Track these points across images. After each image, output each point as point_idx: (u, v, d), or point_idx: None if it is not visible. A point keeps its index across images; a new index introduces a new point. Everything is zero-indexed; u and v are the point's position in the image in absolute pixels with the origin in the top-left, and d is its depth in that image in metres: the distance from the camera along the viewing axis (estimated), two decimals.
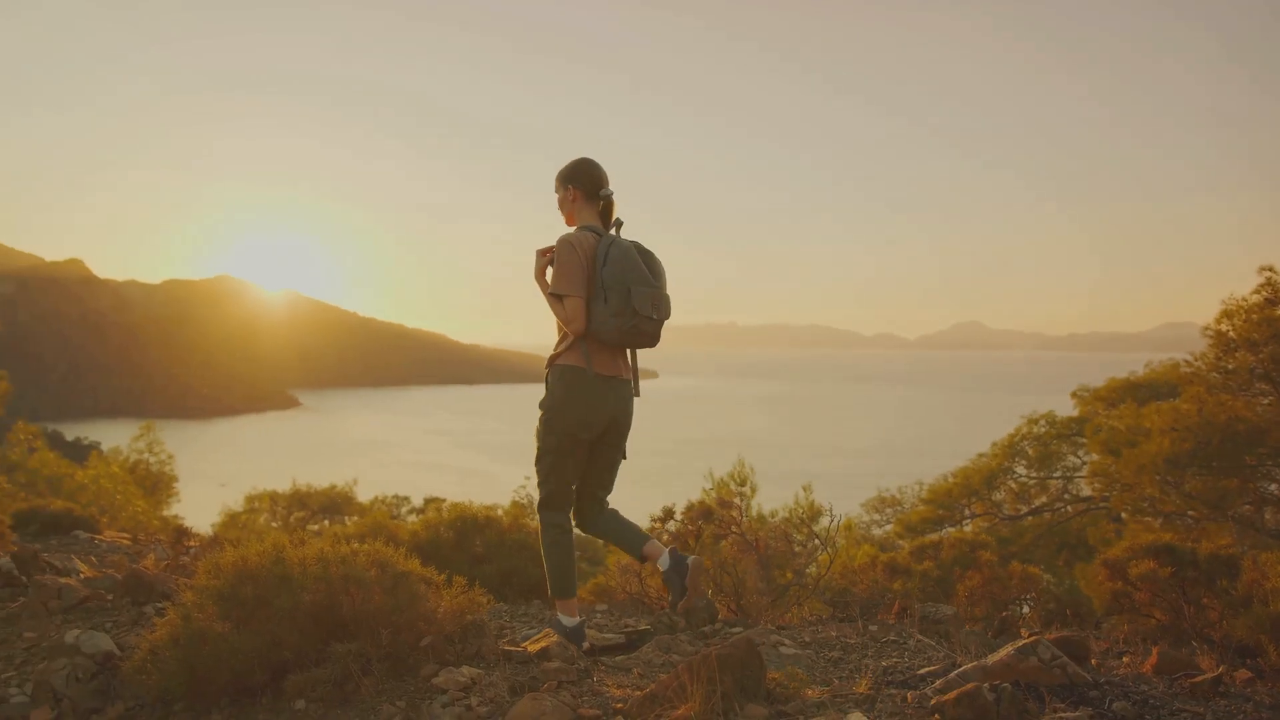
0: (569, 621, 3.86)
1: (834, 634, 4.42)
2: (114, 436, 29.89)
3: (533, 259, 3.91)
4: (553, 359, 3.82)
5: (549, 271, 3.82)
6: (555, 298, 3.75)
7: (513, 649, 3.43)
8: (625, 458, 4.00)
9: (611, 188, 3.97)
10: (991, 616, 5.55)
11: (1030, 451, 11.47)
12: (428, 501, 19.90)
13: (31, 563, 5.23)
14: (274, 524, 17.00)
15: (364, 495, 19.41)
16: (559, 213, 4.06)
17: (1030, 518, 10.97)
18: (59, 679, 3.74)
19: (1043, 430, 11.39)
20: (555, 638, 3.51)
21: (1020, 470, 11.61)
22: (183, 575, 5.20)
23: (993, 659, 3.19)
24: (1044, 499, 11.21)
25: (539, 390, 3.90)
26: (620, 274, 3.61)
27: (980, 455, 11.97)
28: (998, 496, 11.47)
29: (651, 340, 3.73)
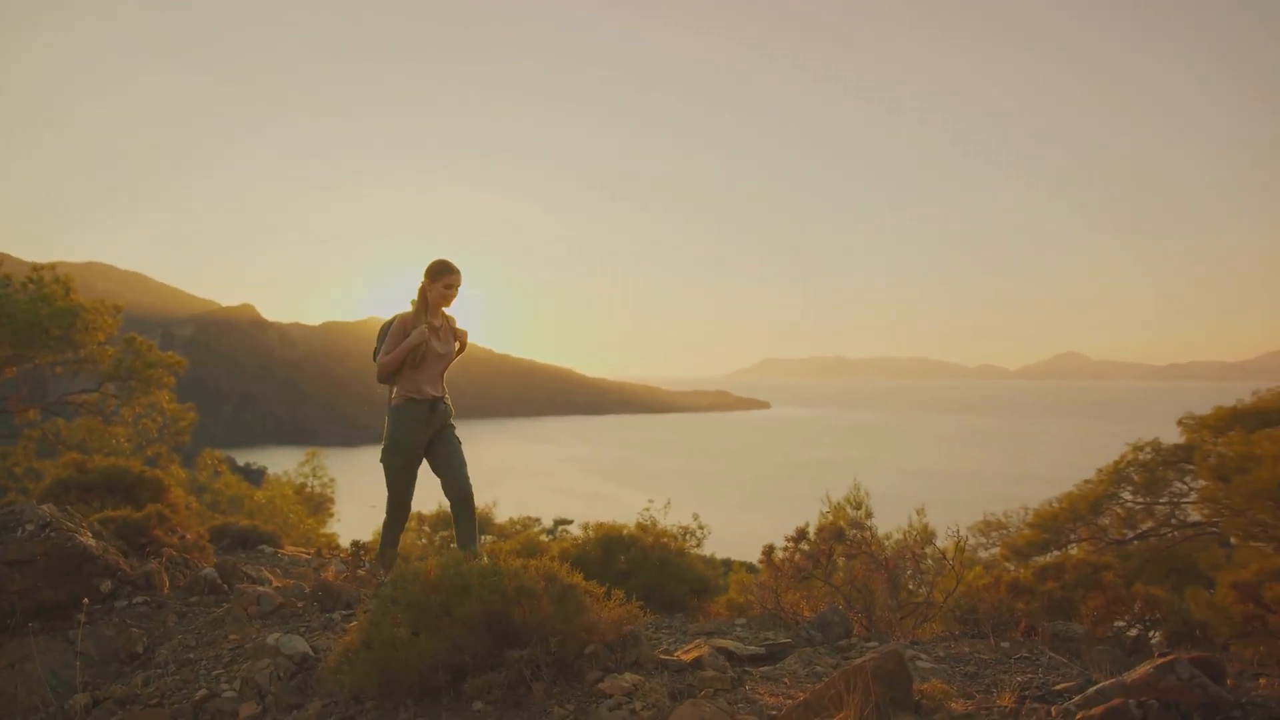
0: None
1: (967, 650, 4.33)
2: (280, 462, 31.21)
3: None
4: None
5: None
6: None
7: (668, 658, 3.47)
8: None
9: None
10: (1119, 636, 5.32)
11: (1136, 478, 10.95)
12: (557, 523, 20.16)
13: (232, 573, 5.56)
14: (420, 541, 17.45)
15: (499, 517, 19.76)
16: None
17: (1136, 542, 10.43)
18: (263, 677, 3.97)
19: (1149, 457, 10.85)
20: (707, 649, 3.54)
21: (1126, 496, 11.09)
22: (361, 586, 5.45)
23: (1131, 677, 3.09)
24: (1151, 524, 10.65)
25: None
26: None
27: (1086, 481, 11.52)
28: (1104, 521, 10.98)
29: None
